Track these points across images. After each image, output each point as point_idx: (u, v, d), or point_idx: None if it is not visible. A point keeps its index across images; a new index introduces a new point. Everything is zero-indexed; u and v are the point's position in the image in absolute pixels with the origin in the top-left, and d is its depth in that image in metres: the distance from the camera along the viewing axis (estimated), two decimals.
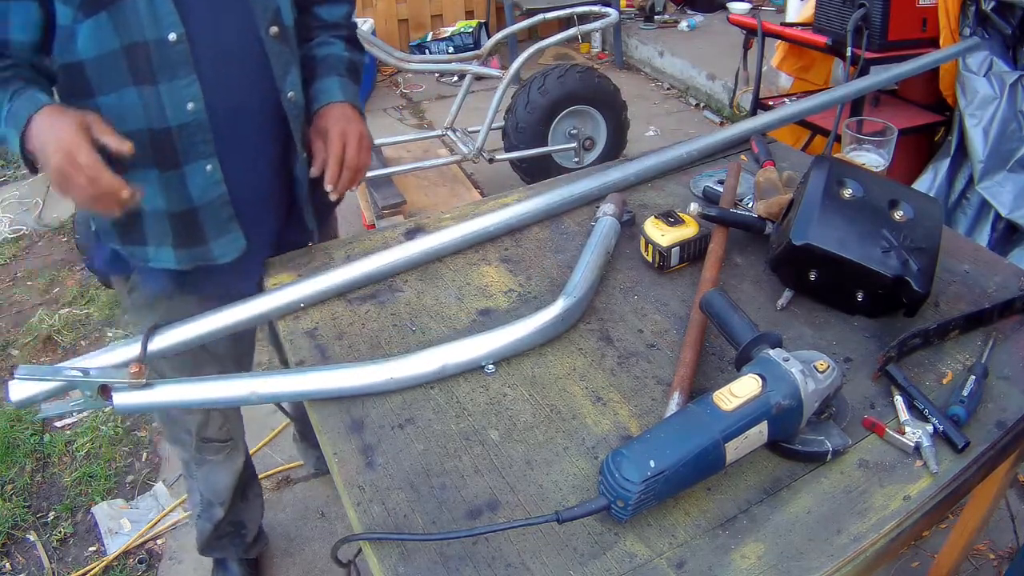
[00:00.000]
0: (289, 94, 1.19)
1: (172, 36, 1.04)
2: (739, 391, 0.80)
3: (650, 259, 1.19)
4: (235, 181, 1.17)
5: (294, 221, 1.33)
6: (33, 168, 0.99)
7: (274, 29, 1.14)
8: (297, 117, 1.21)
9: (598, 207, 1.27)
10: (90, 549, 1.99)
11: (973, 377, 0.93)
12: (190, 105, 1.08)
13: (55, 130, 0.95)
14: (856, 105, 2.43)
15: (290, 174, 1.27)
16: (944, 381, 0.97)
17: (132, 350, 1.03)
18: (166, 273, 1.21)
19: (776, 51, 2.92)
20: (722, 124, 4.28)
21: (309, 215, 1.31)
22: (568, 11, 3.23)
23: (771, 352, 0.85)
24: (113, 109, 1.07)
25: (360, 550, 0.81)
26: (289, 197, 1.31)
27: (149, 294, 1.27)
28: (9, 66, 1.03)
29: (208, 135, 1.11)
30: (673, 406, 0.90)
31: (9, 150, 0.99)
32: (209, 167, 1.13)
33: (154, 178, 1.11)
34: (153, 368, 1.30)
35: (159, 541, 2.00)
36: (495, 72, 3.16)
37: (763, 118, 1.54)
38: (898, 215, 1.07)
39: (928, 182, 2.44)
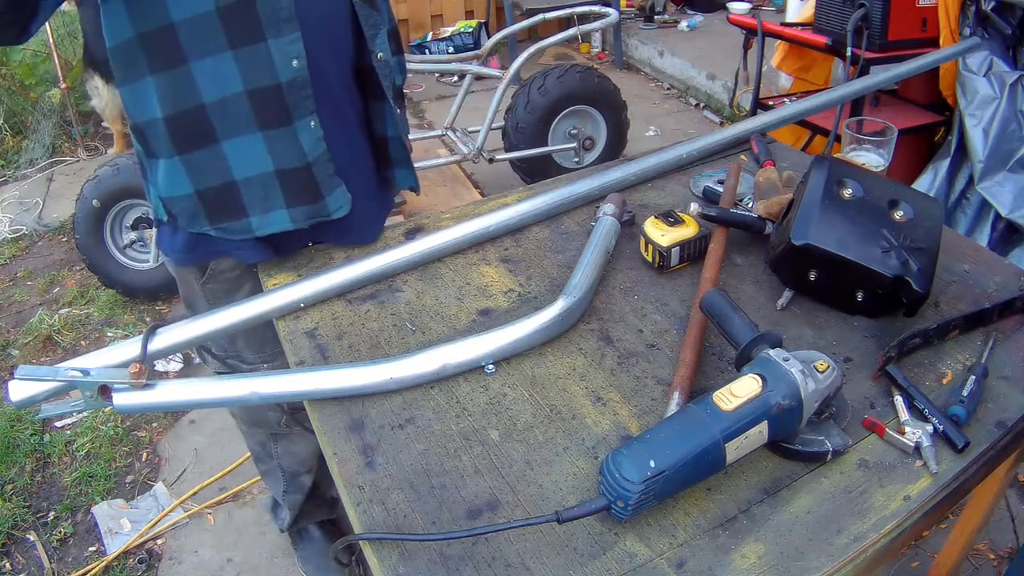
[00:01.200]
0: (379, 55, 1.24)
1: None
2: (739, 391, 0.81)
3: (650, 259, 1.19)
4: (329, 139, 1.19)
5: (382, 182, 1.39)
6: None
7: None
8: (388, 76, 1.27)
9: (598, 207, 1.27)
10: (90, 549, 1.99)
11: (973, 377, 0.93)
12: (295, 62, 1.09)
13: None
14: (856, 105, 2.43)
15: (372, 135, 1.34)
16: (944, 381, 0.97)
17: (132, 350, 1.03)
18: (265, 242, 1.21)
19: (776, 51, 2.92)
20: (722, 124, 4.28)
21: (408, 171, 1.38)
22: (568, 11, 3.23)
23: (771, 352, 0.85)
24: (208, 74, 1.07)
25: (360, 550, 0.81)
26: (373, 158, 1.35)
27: (230, 279, 1.28)
28: None
29: (310, 91, 1.13)
30: (673, 406, 0.90)
31: None
32: (313, 123, 1.15)
33: (258, 140, 1.12)
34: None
35: (159, 541, 2.00)
36: (495, 72, 3.16)
37: (763, 118, 1.54)
38: (898, 215, 1.07)
39: (928, 182, 2.44)
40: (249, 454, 1.91)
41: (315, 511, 1.82)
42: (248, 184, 1.15)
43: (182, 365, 2.61)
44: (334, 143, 1.19)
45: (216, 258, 1.27)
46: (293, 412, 1.53)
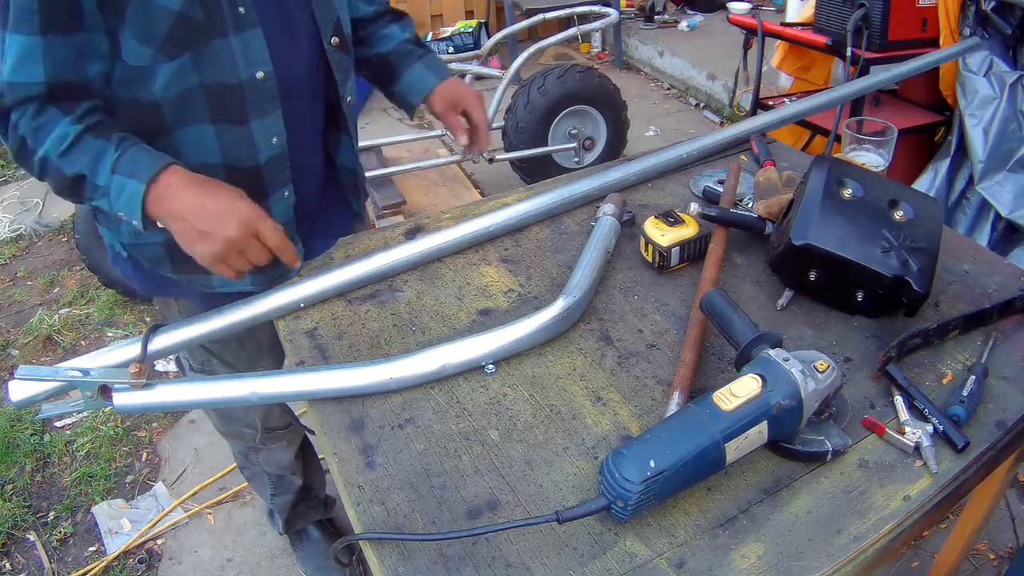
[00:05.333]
0: (348, 99, 1.22)
1: (260, 74, 1.03)
2: (739, 391, 0.80)
3: (650, 259, 1.19)
4: (300, 194, 1.18)
5: (345, 211, 1.37)
6: (145, 222, 0.96)
7: (335, 39, 1.16)
8: (352, 118, 1.26)
9: (598, 207, 1.27)
10: (90, 549, 1.99)
11: (973, 377, 0.93)
12: (275, 139, 1.08)
13: (228, 198, 0.96)
14: (856, 105, 2.43)
15: (337, 169, 1.31)
16: (944, 381, 0.97)
17: (132, 350, 1.03)
18: (223, 295, 1.17)
19: (776, 51, 2.92)
20: (722, 124, 4.28)
21: (357, 199, 1.37)
22: (568, 11, 3.23)
23: (771, 352, 0.85)
24: (190, 143, 1.05)
25: (360, 549, 0.81)
26: (337, 192, 1.33)
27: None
28: (97, 108, 0.98)
29: (287, 162, 1.12)
30: (673, 406, 0.90)
31: (108, 201, 0.96)
32: (287, 192, 1.14)
33: None
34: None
35: (159, 541, 2.00)
36: (495, 72, 3.16)
37: (763, 118, 1.54)
38: (898, 215, 1.07)
39: (928, 182, 2.44)
40: None
41: (310, 512, 1.82)
42: None
43: None
44: (302, 196, 1.18)
45: (175, 296, 1.27)
46: (268, 431, 1.54)
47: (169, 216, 0.96)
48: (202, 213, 0.94)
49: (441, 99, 1.32)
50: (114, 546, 1.97)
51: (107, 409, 0.92)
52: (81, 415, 2.39)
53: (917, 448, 0.85)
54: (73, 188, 0.97)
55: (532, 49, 2.99)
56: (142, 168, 0.95)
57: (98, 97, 0.99)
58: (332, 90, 1.21)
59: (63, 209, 3.57)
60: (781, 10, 4.64)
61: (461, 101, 1.33)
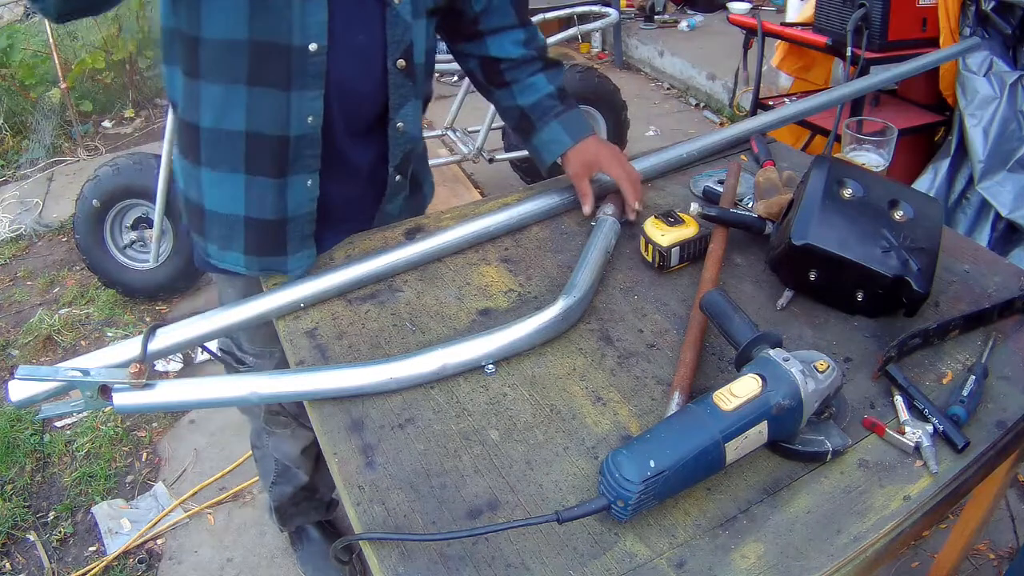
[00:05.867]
0: (399, 124, 1.19)
1: (313, 46, 1.02)
2: (739, 391, 0.80)
3: (650, 259, 1.19)
4: (326, 195, 1.16)
5: (364, 222, 1.33)
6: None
7: (401, 62, 1.14)
8: (400, 145, 1.22)
9: (598, 207, 1.27)
10: (90, 549, 1.99)
11: (973, 377, 0.93)
12: (310, 119, 1.06)
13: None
14: (856, 105, 2.43)
15: (380, 188, 1.28)
16: (944, 381, 0.97)
17: (132, 350, 1.03)
18: (219, 269, 1.21)
19: (776, 51, 2.92)
20: (722, 124, 4.28)
21: (380, 218, 1.33)
22: (568, 11, 3.23)
23: (771, 352, 0.85)
24: (214, 100, 1.04)
25: (359, 549, 0.81)
26: (364, 202, 1.30)
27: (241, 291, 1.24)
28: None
29: (317, 150, 1.10)
30: (673, 406, 0.90)
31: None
32: (310, 182, 1.12)
33: (239, 182, 1.10)
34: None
35: (159, 541, 2.00)
36: None
37: (763, 118, 1.54)
38: (898, 215, 1.07)
39: (928, 182, 2.44)
40: (250, 452, 1.92)
41: (310, 512, 1.82)
42: (214, 217, 1.15)
43: (182, 365, 2.60)
44: (329, 198, 1.17)
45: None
46: (271, 413, 1.55)
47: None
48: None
49: (574, 163, 1.28)
50: (114, 546, 1.97)
51: (107, 409, 0.92)
52: (81, 415, 2.39)
53: (917, 448, 0.85)
54: None
55: None
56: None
57: None
58: (384, 111, 1.18)
59: (63, 209, 3.57)
60: (781, 10, 4.64)
61: (595, 163, 1.28)
